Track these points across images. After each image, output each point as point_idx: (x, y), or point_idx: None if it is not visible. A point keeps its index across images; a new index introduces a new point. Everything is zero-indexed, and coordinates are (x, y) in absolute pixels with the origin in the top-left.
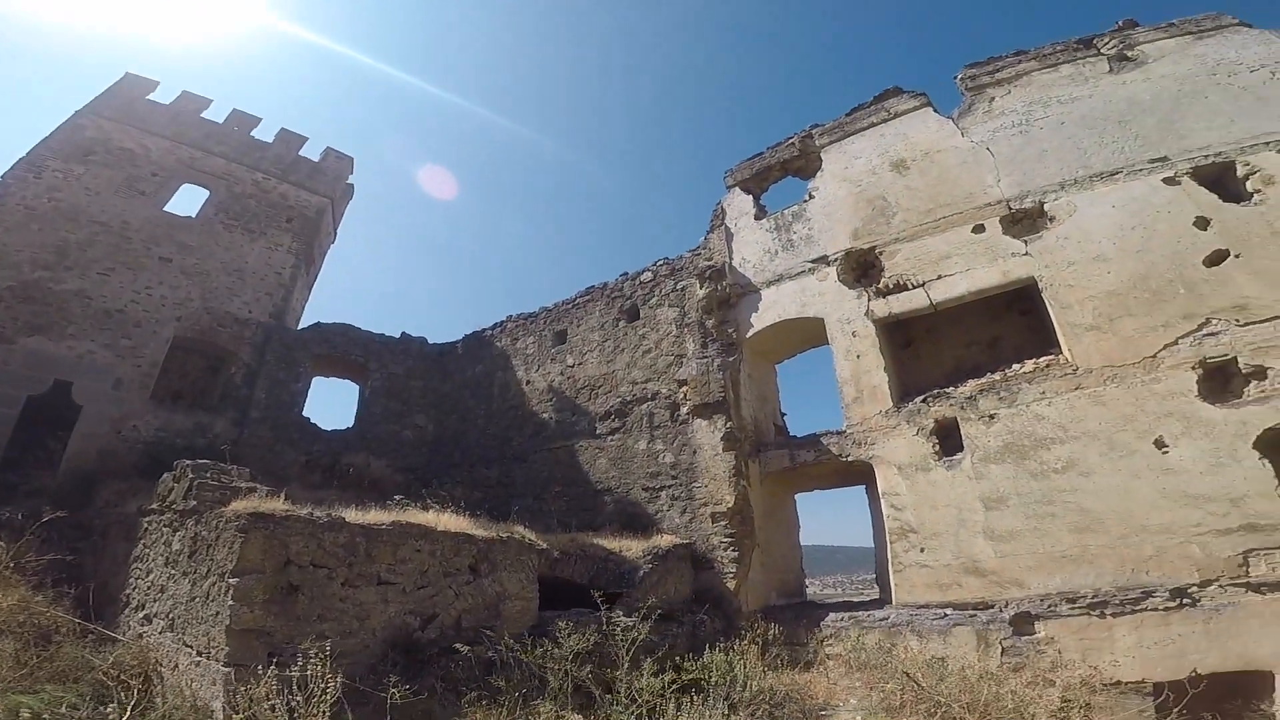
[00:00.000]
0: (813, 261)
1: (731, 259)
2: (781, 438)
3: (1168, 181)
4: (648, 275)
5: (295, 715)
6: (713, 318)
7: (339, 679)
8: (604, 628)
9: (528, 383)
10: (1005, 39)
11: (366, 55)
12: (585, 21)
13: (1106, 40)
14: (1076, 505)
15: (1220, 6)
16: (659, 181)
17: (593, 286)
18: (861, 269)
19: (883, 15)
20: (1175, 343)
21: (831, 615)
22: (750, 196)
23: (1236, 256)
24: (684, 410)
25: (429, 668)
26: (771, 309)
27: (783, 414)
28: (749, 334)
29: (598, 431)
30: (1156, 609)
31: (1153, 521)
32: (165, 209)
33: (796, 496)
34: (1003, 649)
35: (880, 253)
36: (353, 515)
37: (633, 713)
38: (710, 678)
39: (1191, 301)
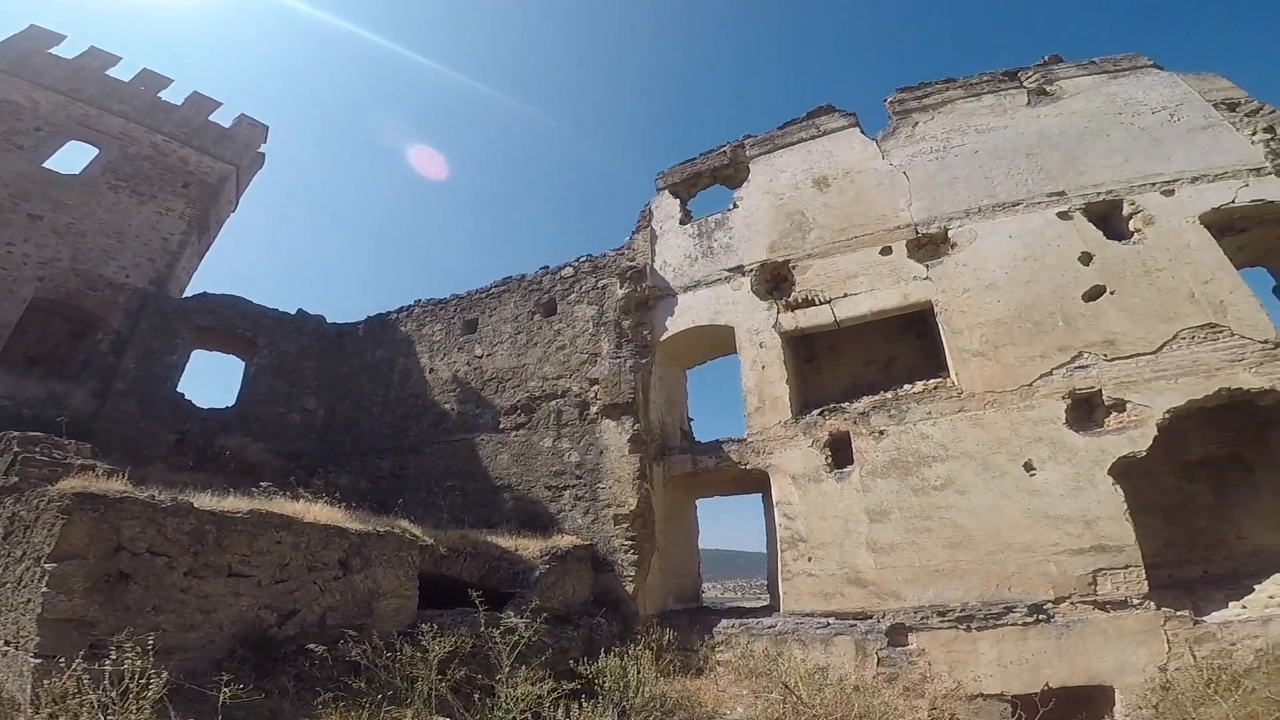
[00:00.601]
0: (729, 270)
1: (654, 261)
2: (686, 443)
3: (1062, 216)
4: (569, 271)
5: (109, 712)
6: (630, 318)
7: (164, 674)
8: (483, 629)
9: (431, 370)
10: (958, 63)
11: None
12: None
13: (1030, 74)
14: (951, 521)
15: (1151, 47)
16: (595, 178)
17: (509, 277)
18: (774, 281)
19: (841, 31)
20: (1050, 373)
21: (724, 622)
22: (678, 200)
23: (1111, 293)
24: (593, 410)
25: (283, 666)
26: (686, 314)
27: (689, 419)
28: (663, 337)
29: (502, 426)
30: (1016, 624)
31: (1017, 540)
32: (45, 165)
33: (698, 501)
34: (879, 660)
35: (793, 267)
36: (205, 501)
37: (512, 718)
38: (604, 683)
39: (1068, 334)
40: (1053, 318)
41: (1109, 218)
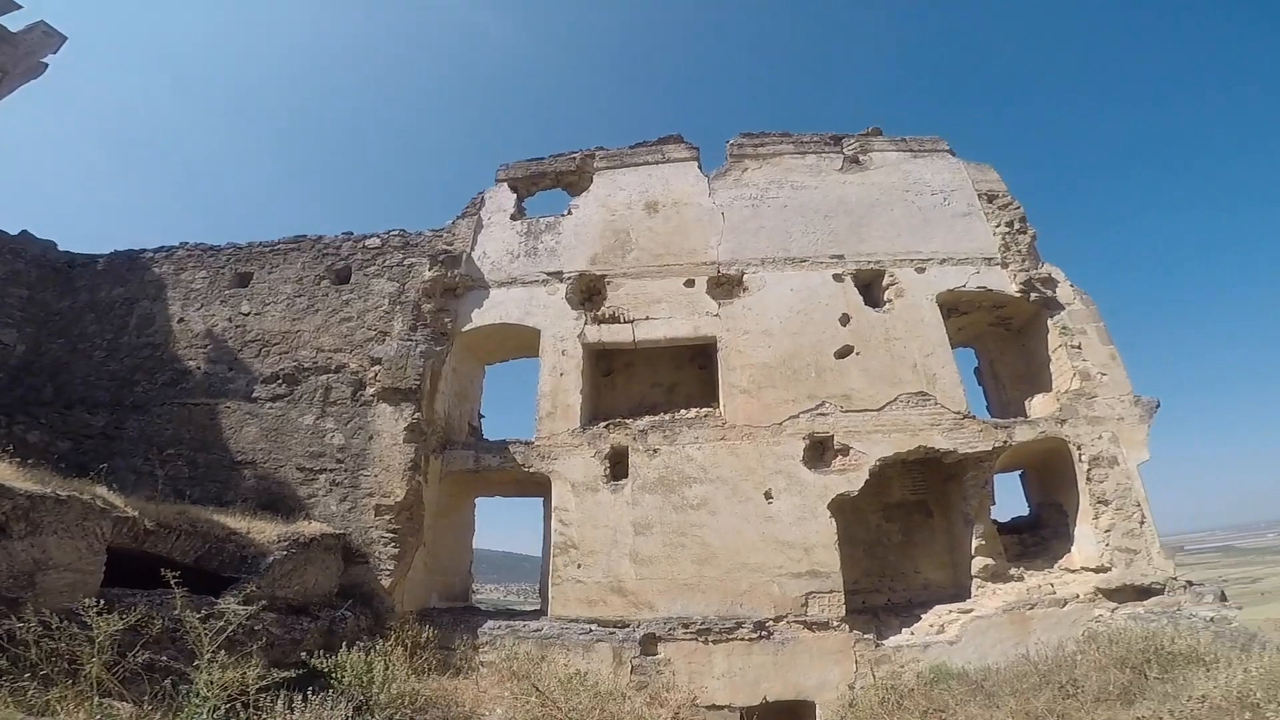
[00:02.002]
0: (549, 274)
1: (473, 250)
2: (472, 439)
3: (836, 278)
4: (375, 241)
5: None
6: (433, 303)
7: None
8: (178, 612)
9: (181, 320)
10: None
11: None
12: None
13: (852, 141)
14: (702, 539)
15: (959, 132)
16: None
17: (303, 236)
18: (589, 293)
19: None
20: (798, 415)
21: (490, 623)
22: (515, 195)
23: (857, 354)
24: (370, 391)
25: None
26: (496, 309)
27: (480, 416)
28: (465, 328)
29: (256, 395)
30: (744, 638)
31: (752, 560)
32: None
33: (479, 500)
34: (632, 667)
35: (609, 282)
36: None
37: (210, 707)
38: (342, 677)
39: (817, 384)
40: (809, 368)
41: (872, 285)
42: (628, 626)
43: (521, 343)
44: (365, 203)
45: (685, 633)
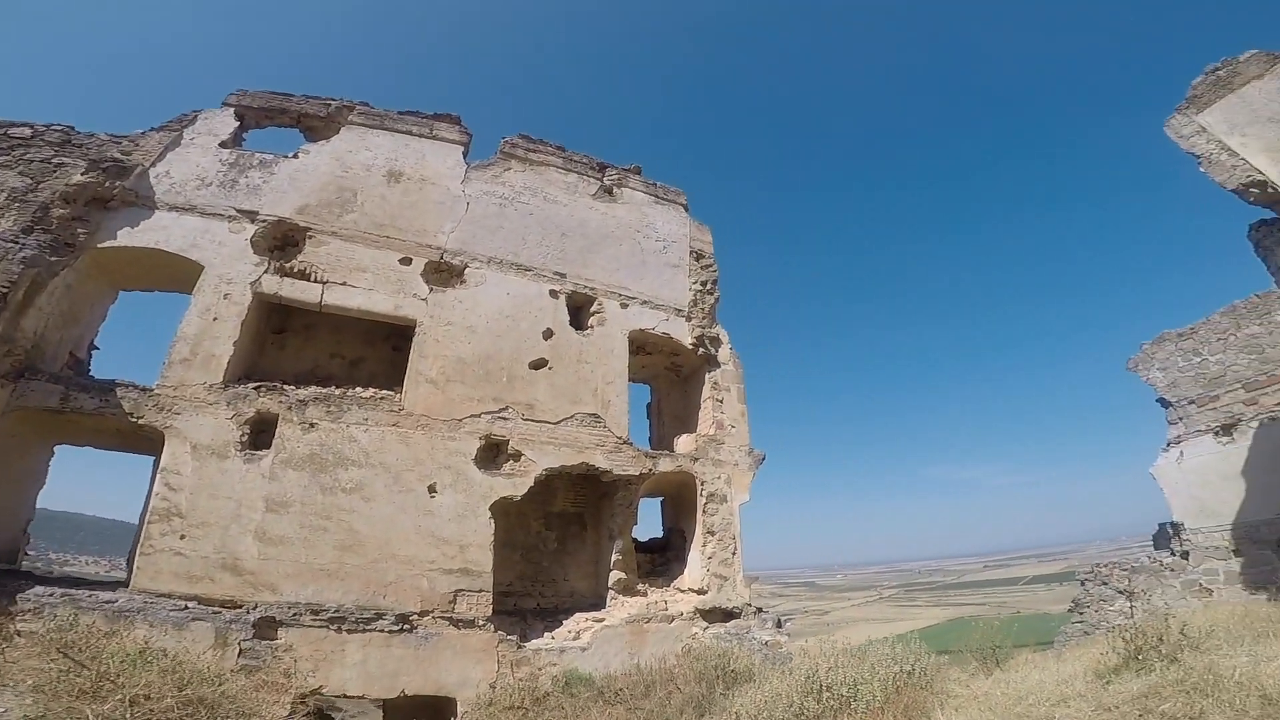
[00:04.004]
0: (242, 211)
1: (154, 166)
2: (70, 371)
3: (553, 294)
4: (26, 131)
5: None
6: (69, 209)
7: None
8: None
9: None
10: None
11: None
12: None
13: (614, 173)
14: (349, 525)
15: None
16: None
17: None
18: (283, 243)
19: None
20: (480, 415)
21: (39, 589)
22: (239, 124)
23: (550, 368)
24: None
25: None
26: (155, 233)
27: (93, 347)
28: (105, 244)
29: None
30: (384, 630)
31: (404, 552)
32: None
33: (59, 447)
34: (241, 650)
35: (311, 237)
36: None
37: None
38: None
39: (507, 389)
40: (502, 372)
41: (582, 309)
42: (240, 607)
43: (177, 275)
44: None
45: (314, 620)
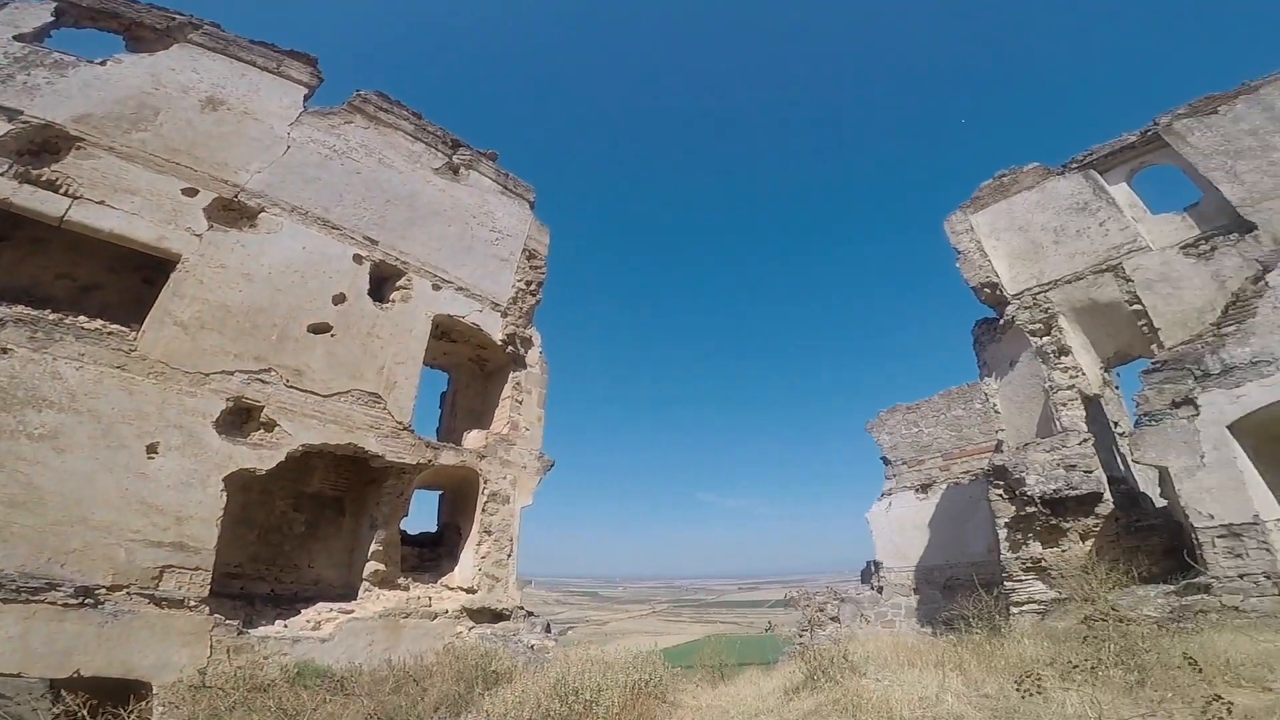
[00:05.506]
0: (7, 109)
1: None
2: None
3: (357, 259)
4: None
5: None
6: None
7: None
8: None
9: None
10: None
11: None
12: None
13: (466, 153)
14: (28, 478)
15: (551, 183)
16: None
17: None
18: (41, 148)
19: None
20: (234, 373)
21: None
22: (54, 20)
23: (333, 336)
24: None
25: None
26: None
27: None
28: None
29: None
30: (57, 603)
31: (98, 517)
32: None
33: None
34: None
35: (80, 148)
36: None
37: None
38: None
39: (275, 350)
40: (274, 329)
41: (387, 281)
42: None
43: None
44: None
45: None
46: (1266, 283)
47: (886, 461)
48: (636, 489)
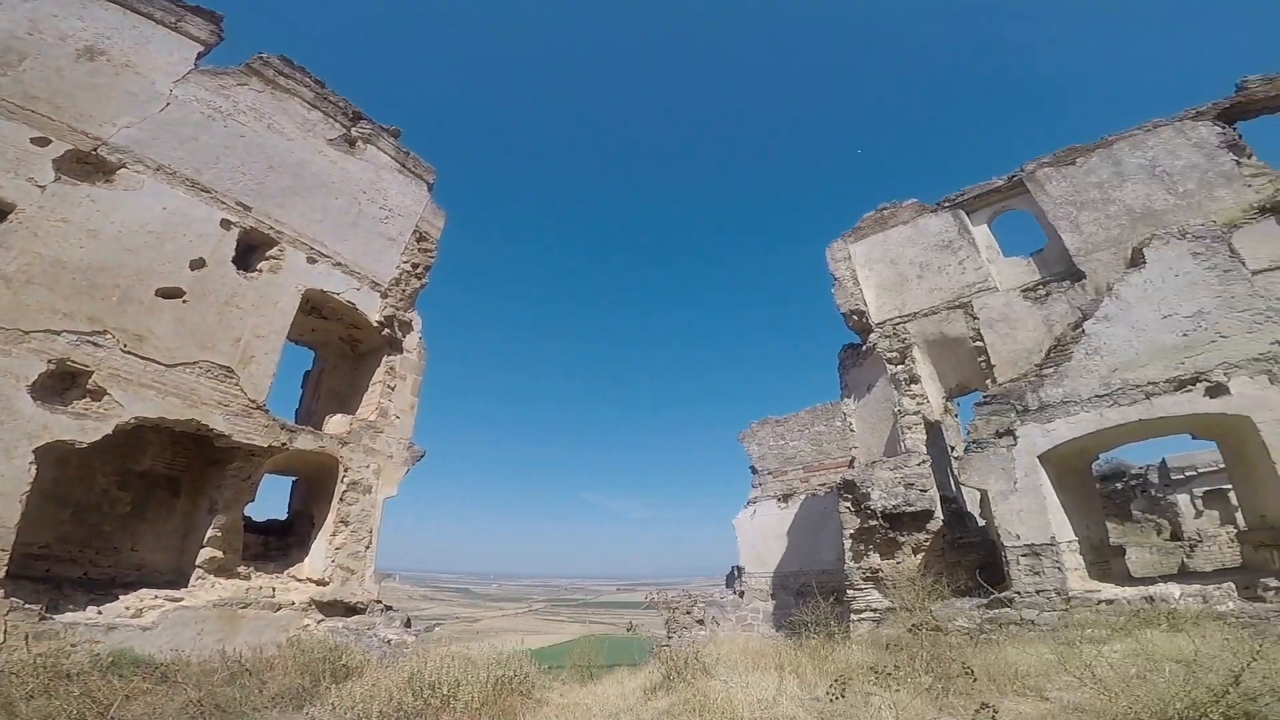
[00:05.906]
0: None
1: None
2: None
3: (225, 224)
4: None
5: None
6: None
7: None
8: None
9: None
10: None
11: None
12: None
13: (367, 126)
14: None
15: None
16: None
17: None
18: None
19: None
20: (60, 333)
21: None
22: None
23: (185, 302)
24: None
25: None
26: None
27: None
28: None
29: None
30: None
31: None
32: None
33: None
34: None
35: None
36: None
37: None
38: None
39: (114, 311)
40: (115, 290)
41: (256, 250)
42: None
43: None
44: None
45: None
46: (1083, 330)
47: (754, 470)
48: (523, 486)
